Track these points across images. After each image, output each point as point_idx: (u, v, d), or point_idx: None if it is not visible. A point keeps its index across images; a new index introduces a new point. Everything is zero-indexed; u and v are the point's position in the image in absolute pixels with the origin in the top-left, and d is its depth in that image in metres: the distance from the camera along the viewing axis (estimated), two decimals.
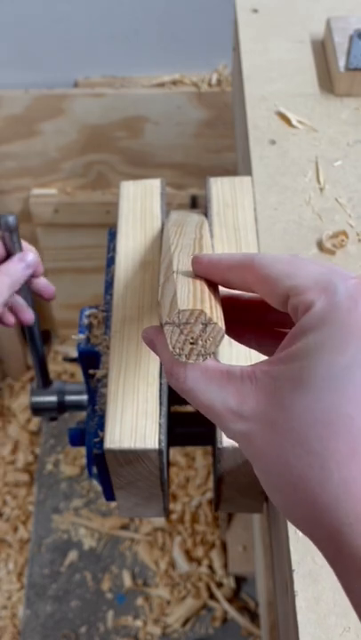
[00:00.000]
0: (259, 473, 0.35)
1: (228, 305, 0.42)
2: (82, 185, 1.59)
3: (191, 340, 0.38)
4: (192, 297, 0.39)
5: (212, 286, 0.42)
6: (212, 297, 0.40)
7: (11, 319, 0.72)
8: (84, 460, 1.76)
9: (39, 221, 1.60)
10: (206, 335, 0.38)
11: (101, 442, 0.63)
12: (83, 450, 1.75)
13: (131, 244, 0.76)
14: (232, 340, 0.45)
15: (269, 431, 0.34)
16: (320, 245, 0.77)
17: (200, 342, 0.38)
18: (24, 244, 0.67)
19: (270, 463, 0.34)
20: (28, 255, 0.67)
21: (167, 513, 0.75)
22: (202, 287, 0.40)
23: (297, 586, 0.55)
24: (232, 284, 0.41)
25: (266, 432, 0.34)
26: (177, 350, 0.38)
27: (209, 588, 1.56)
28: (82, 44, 1.40)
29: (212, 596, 1.56)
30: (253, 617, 1.52)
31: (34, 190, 1.59)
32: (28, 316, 0.73)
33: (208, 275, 0.42)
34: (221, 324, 0.38)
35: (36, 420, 1.84)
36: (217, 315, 0.38)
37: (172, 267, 0.45)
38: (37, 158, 1.53)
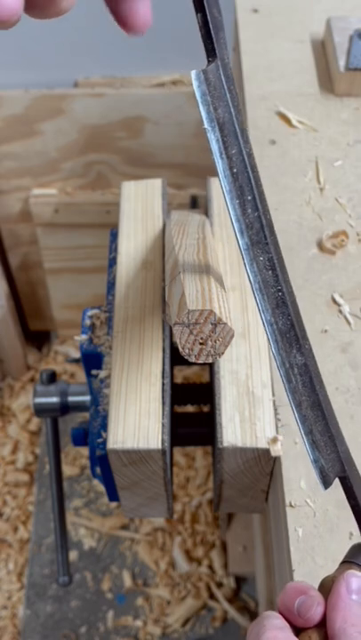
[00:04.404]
0: None
1: None
2: (82, 185, 1.59)
3: (201, 341, 0.38)
4: (201, 297, 0.39)
5: (219, 285, 0.42)
6: (220, 296, 0.40)
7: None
8: (83, 460, 1.76)
9: (39, 221, 1.60)
10: (216, 335, 0.38)
11: (105, 442, 0.63)
12: (83, 450, 1.74)
13: (132, 245, 0.76)
14: (232, 342, 0.44)
15: None
16: (320, 245, 0.77)
17: (210, 342, 0.38)
18: None
19: None
20: None
21: (172, 512, 0.75)
22: (209, 286, 0.40)
23: None
24: None
25: None
26: (186, 351, 0.38)
27: (209, 588, 1.57)
28: (82, 44, 1.40)
29: (212, 596, 1.56)
30: (253, 617, 1.52)
31: (34, 190, 1.59)
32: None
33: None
34: (231, 324, 0.38)
35: (36, 420, 1.84)
36: (226, 315, 0.38)
37: (178, 267, 0.45)
38: (37, 158, 1.53)
